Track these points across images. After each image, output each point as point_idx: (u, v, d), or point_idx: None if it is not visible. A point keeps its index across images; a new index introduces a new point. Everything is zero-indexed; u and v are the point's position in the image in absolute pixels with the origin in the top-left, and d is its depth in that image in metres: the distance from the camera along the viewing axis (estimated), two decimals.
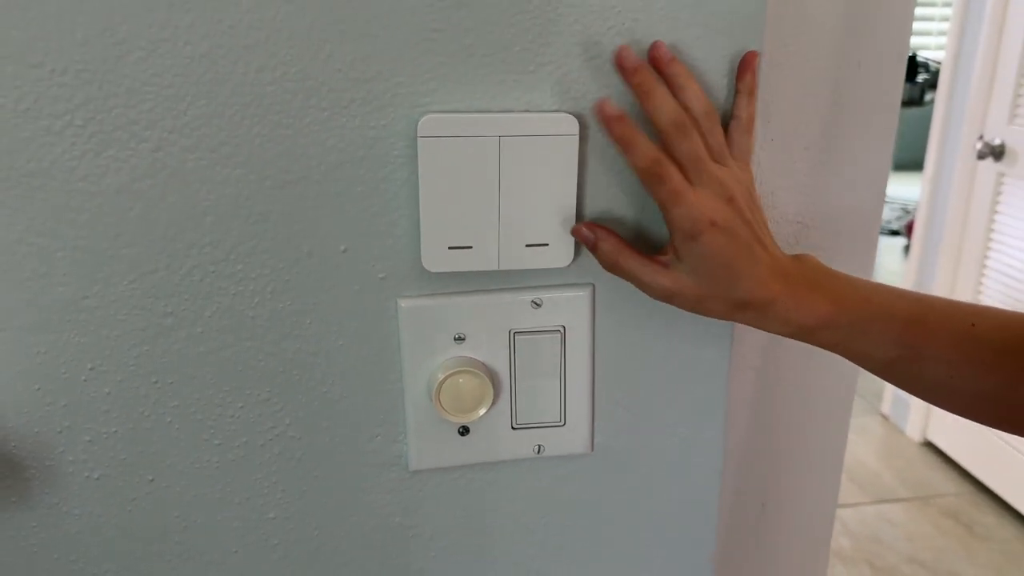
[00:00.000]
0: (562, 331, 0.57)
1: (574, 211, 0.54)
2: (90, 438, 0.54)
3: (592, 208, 0.56)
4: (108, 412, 0.54)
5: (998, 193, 2.50)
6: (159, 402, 0.55)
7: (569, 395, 0.59)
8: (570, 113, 0.52)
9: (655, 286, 0.52)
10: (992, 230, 2.53)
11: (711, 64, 0.54)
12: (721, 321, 0.60)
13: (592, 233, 0.53)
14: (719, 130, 0.52)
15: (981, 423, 0.52)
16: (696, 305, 0.52)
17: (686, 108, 0.50)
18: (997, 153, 2.47)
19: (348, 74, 0.50)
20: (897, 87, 0.69)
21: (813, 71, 0.66)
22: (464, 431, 0.59)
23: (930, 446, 2.87)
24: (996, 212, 2.51)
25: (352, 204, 0.53)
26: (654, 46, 0.51)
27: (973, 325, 0.49)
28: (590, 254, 0.55)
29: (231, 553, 0.60)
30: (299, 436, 0.58)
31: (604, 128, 0.51)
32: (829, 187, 0.70)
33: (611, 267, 0.54)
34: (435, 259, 0.54)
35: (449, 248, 0.53)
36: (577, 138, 0.52)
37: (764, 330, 0.52)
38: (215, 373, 0.55)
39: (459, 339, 0.56)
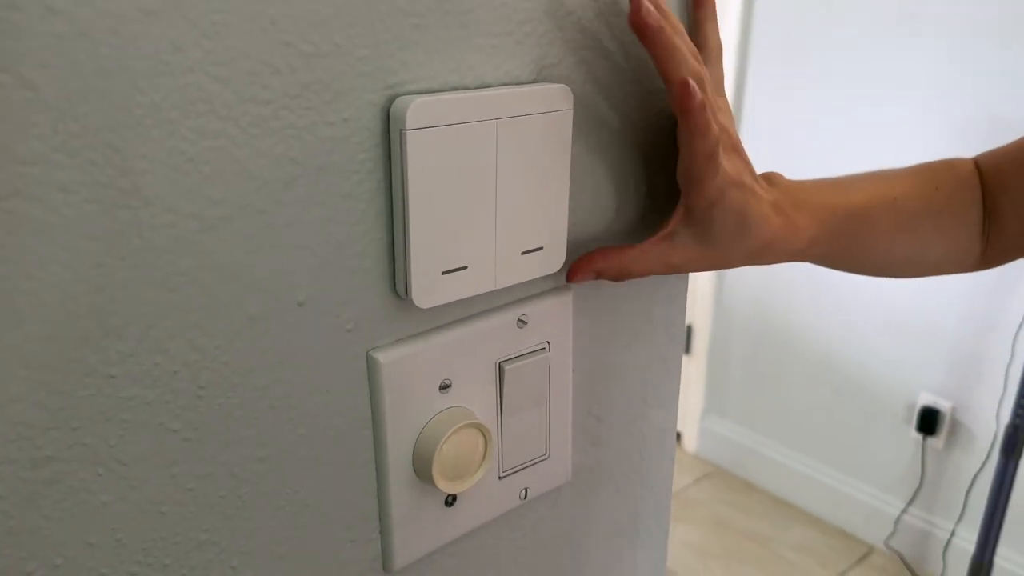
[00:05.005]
0: (547, 347, 0.47)
1: (567, 202, 0.44)
2: None
3: (579, 197, 0.47)
4: None
5: None
6: None
7: (553, 420, 0.49)
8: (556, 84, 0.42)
9: (664, 268, 0.46)
10: None
11: None
12: (676, 297, 0.55)
13: (590, 267, 0.46)
14: (721, 65, 0.47)
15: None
16: (704, 267, 0.47)
17: (703, 46, 0.46)
18: None
19: (299, 47, 0.34)
20: None
21: None
22: (451, 500, 0.46)
23: None
24: None
25: (310, 235, 0.37)
26: None
27: (895, 199, 0.51)
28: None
29: None
30: None
31: (683, 117, 0.42)
32: None
33: (620, 278, 0.46)
34: (427, 291, 0.40)
35: (442, 273, 0.40)
36: (572, 113, 0.42)
37: (757, 265, 0.49)
38: (128, 529, 0.35)
39: (445, 387, 0.43)
